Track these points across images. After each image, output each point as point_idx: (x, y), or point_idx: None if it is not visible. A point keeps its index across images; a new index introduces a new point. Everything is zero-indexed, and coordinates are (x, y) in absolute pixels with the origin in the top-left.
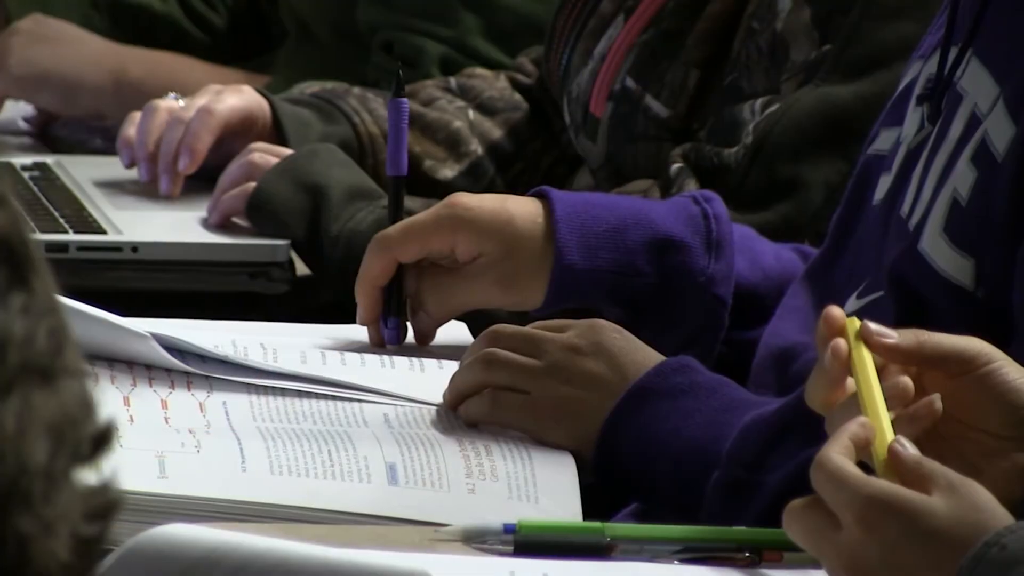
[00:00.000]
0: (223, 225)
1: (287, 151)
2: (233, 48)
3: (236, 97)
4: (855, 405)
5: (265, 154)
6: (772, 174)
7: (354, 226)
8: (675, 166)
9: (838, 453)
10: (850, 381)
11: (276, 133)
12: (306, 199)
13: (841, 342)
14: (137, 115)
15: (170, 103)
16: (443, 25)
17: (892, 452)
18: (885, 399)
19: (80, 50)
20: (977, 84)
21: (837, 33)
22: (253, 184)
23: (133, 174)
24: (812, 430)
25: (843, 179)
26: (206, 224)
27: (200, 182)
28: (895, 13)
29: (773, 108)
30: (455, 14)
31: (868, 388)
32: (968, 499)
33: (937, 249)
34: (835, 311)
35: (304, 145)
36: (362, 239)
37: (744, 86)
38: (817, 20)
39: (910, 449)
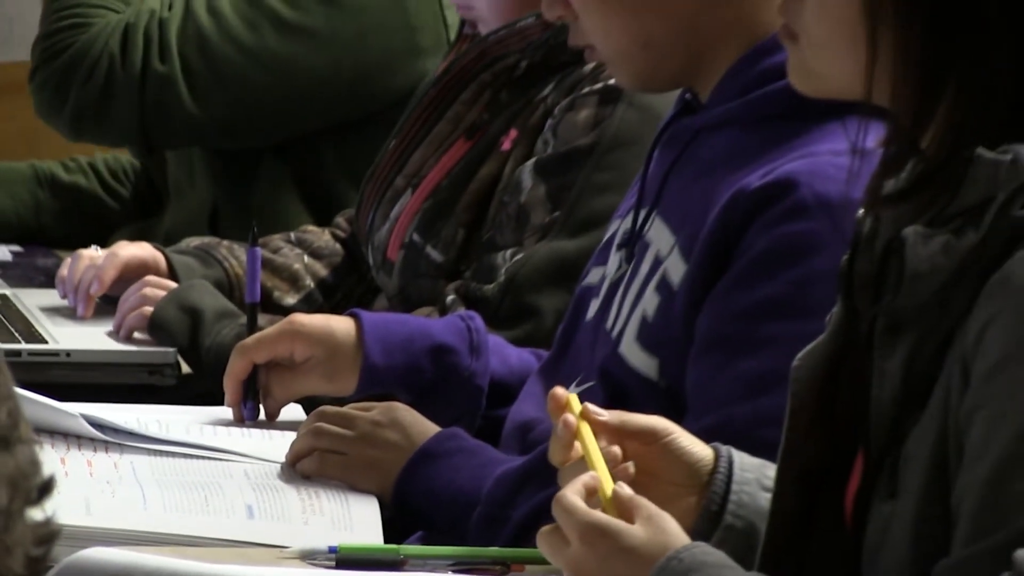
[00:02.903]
0: (128, 337)
1: (173, 284)
2: (136, 210)
3: (136, 248)
4: (579, 465)
5: (155, 288)
6: (518, 304)
7: (220, 340)
8: (450, 298)
9: (572, 493)
10: (577, 445)
11: (171, 274)
12: (187, 319)
13: (570, 417)
14: (68, 260)
15: (91, 252)
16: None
17: (614, 492)
18: None
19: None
20: (659, 235)
21: (564, 204)
22: (150, 309)
23: (66, 302)
24: (546, 480)
25: (567, 307)
26: (116, 336)
27: (112, 308)
28: (604, 189)
29: (519, 256)
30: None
31: (592, 451)
32: (660, 526)
33: (632, 352)
34: (559, 390)
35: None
36: (226, 349)
37: (498, 241)
38: (550, 194)
39: (626, 490)
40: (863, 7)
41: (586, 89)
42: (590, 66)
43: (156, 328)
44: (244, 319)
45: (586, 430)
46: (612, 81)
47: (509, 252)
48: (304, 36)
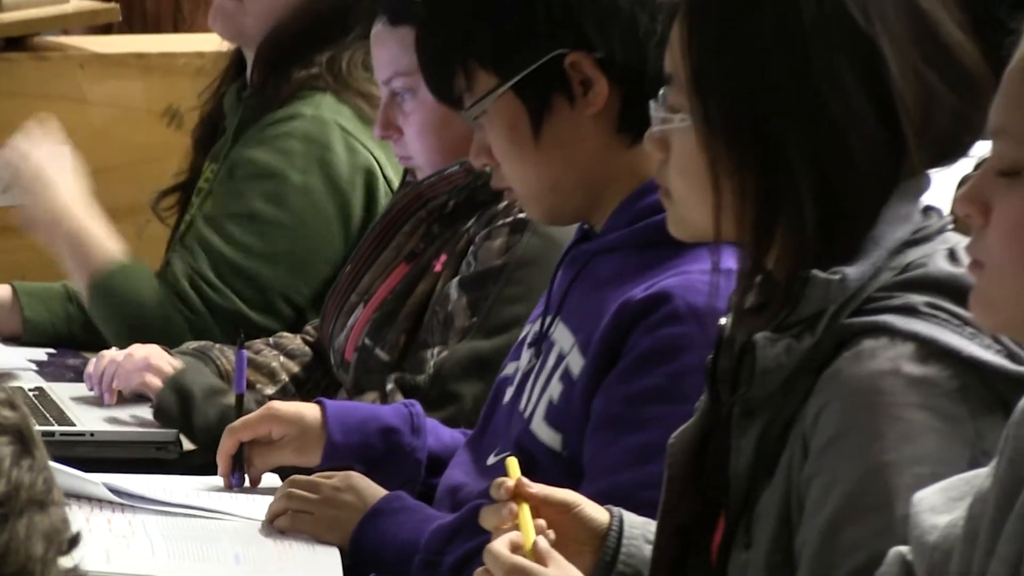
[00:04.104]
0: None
1: (168, 367)
2: None
3: (147, 349)
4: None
5: (154, 376)
6: (442, 391)
7: (208, 421)
8: (389, 386)
9: (500, 544)
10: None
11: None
12: (180, 402)
13: (514, 506)
14: (94, 360)
15: (112, 353)
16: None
17: (535, 544)
18: None
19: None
20: (562, 336)
21: (480, 312)
22: (154, 381)
23: (92, 392)
24: (472, 532)
25: (483, 393)
26: (132, 419)
27: (129, 398)
28: (513, 300)
29: (444, 353)
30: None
31: (527, 526)
32: (568, 571)
33: (541, 429)
34: (508, 482)
35: (190, 376)
36: (213, 427)
37: (429, 340)
38: (470, 304)
39: (544, 544)
40: (706, 165)
41: (500, 222)
42: (504, 204)
43: (158, 413)
44: (228, 395)
45: (525, 510)
46: (521, 215)
47: (436, 349)
48: (267, 227)
